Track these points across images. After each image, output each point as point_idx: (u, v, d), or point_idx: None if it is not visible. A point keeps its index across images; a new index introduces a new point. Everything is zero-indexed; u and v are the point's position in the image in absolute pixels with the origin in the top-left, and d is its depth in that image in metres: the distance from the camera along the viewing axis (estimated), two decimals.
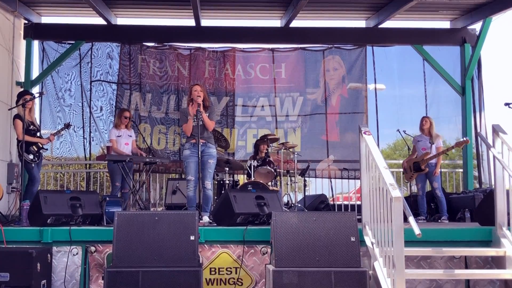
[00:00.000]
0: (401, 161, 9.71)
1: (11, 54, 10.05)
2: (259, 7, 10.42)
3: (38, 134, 8.04)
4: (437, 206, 8.73)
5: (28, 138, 7.62)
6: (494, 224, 5.41)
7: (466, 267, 5.48)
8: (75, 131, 10.53)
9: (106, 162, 8.46)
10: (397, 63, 11.11)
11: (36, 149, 7.83)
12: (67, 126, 8.51)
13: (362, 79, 10.93)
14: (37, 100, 8.46)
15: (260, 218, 6.13)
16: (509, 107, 7.39)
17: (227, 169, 8.80)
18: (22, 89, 9.95)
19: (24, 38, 10.48)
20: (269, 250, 5.49)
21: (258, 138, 9.68)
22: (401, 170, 9.35)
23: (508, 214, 5.32)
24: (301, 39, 10.94)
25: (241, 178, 10.38)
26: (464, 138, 8.57)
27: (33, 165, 7.79)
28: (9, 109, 8.97)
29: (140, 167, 9.94)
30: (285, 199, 9.22)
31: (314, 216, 5.25)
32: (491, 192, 5.96)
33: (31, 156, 7.74)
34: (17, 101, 7.94)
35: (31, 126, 7.88)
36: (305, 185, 9.49)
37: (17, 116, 7.74)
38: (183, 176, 10.33)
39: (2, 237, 5.43)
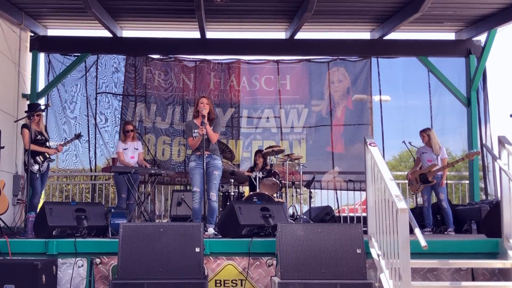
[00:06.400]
0: (406, 173, 9.67)
1: (17, 66, 10.12)
2: (263, 19, 10.45)
3: (46, 144, 8.07)
4: (443, 218, 8.70)
5: (35, 147, 7.65)
6: (500, 235, 5.39)
7: (473, 279, 5.45)
8: (80, 143, 10.54)
9: (112, 174, 8.48)
10: (402, 75, 11.10)
11: (42, 159, 7.85)
12: (78, 136, 8.54)
13: (367, 90, 10.93)
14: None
15: (266, 230, 6.12)
16: None
17: (232, 180, 8.80)
18: (29, 102, 10.02)
19: (30, 51, 10.56)
20: (274, 262, 5.47)
21: (264, 149, 9.67)
22: (407, 181, 9.32)
23: None
24: (305, 51, 10.96)
25: (246, 190, 10.36)
26: (475, 150, 8.53)
27: (37, 175, 7.82)
28: (15, 121, 9.02)
29: (145, 178, 9.95)
30: (290, 211, 9.19)
31: (319, 228, 5.25)
32: (498, 204, 5.93)
33: (36, 167, 7.76)
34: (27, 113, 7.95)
35: (39, 136, 7.91)
36: (310, 197, 9.47)
37: (24, 126, 7.80)
38: (188, 188, 10.34)
39: (8, 249, 5.44)
